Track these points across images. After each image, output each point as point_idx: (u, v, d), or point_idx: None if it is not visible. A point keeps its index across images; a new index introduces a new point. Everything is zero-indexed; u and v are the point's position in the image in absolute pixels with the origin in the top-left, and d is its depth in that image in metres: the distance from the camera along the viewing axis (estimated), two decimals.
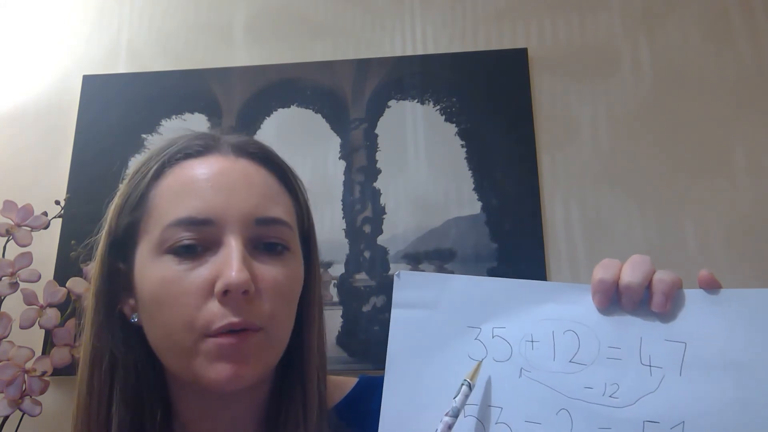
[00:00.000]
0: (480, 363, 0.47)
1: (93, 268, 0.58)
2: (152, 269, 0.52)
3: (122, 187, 0.58)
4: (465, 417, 0.47)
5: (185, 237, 0.51)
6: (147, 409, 0.55)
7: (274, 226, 0.54)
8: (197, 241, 0.51)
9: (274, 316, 0.53)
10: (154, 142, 0.60)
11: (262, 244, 0.54)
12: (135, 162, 0.60)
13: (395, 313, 0.51)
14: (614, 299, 0.47)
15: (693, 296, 0.46)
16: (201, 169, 0.55)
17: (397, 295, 0.51)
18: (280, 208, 0.56)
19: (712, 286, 0.46)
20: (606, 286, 0.47)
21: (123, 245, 0.56)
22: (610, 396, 0.45)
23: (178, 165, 0.55)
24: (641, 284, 0.46)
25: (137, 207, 0.55)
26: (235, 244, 0.51)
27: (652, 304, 0.46)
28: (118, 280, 0.56)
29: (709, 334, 0.45)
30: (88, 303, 0.57)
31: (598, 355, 0.46)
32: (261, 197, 0.55)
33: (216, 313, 0.50)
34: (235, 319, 0.50)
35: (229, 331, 0.50)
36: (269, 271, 0.53)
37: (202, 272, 0.51)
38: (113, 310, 0.56)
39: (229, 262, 0.50)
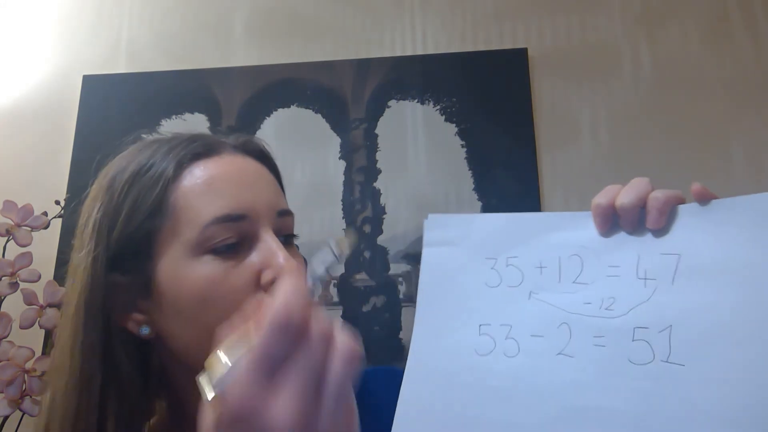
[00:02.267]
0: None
1: (75, 286, 0.54)
2: (191, 271, 0.51)
3: (112, 197, 0.54)
4: (480, 335, 0.52)
5: (227, 235, 0.52)
6: (138, 420, 0.56)
7: (288, 217, 0.58)
8: (237, 237, 0.53)
9: None
10: (135, 147, 0.59)
11: (281, 235, 0.56)
12: (117, 170, 0.56)
13: (425, 252, 0.56)
14: (616, 222, 0.50)
15: (687, 210, 0.48)
16: (221, 167, 0.55)
17: (427, 236, 0.56)
18: (286, 202, 0.60)
19: (705, 197, 0.47)
20: (602, 210, 0.50)
21: (129, 257, 0.53)
22: (606, 309, 0.49)
23: (192, 165, 0.55)
24: (635, 204, 0.48)
25: (155, 213, 0.53)
26: (271, 235, 0.53)
27: (647, 221, 0.48)
28: (117, 295, 0.54)
29: (702, 244, 0.47)
30: (71, 324, 0.53)
31: (598, 275, 0.50)
32: (275, 192, 0.58)
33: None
34: None
35: None
36: (294, 259, 0.55)
37: (247, 267, 0.52)
38: (114, 328, 0.54)
39: (275, 252, 0.52)
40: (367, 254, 1.24)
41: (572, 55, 1.33)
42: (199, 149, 0.56)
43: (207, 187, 0.54)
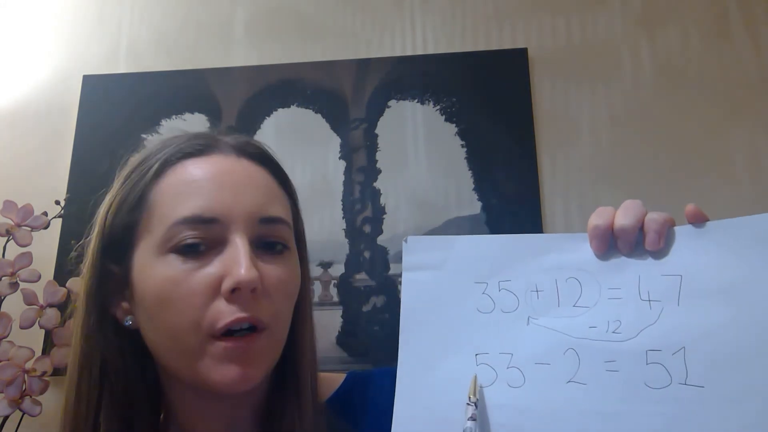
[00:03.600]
0: (475, 377, 0.49)
1: (83, 271, 0.57)
2: (155, 269, 0.52)
3: (116, 188, 0.57)
4: (478, 365, 0.49)
5: (190, 235, 0.51)
6: (137, 414, 0.55)
7: (276, 225, 0.55)
8: (202, 239, 0.51)
9: (278, 315, 0.54)
10: (154, 142, 0.60)
11: (263, 243, 0.54)
12: (129, 162, 0.59)
13: (406, 277, 0.53)
14: (611, 243, 0.49)
15: (684, 232, 0.49)
16: (204, 167, 0.55)
17: (406, 260, 0.53)
18: (281, 208, 0.57)
19: (699, 219, 0.48)
20: (601, 232, 0.49)
21: (117, 247, 0.55)
22: (613, 332, 0.47)
23: (179, 164, 0.55)
24: (634, 226, 0.48)
25: (136, 207, 0.54)
26: (242, 242, 0.51)
27: (646, 242, 0.48)
28: (110, 282, 0.55)
29: (703, 265, 0.47)
30: (79, 307, 0.56)
31: (599, 298, 0.48)
32: (264, 197, 0.55)
33: (223, 311, 0.50)
34: (243, 314, 0.50)
35: (236, 332, 0.50)
36: (273, 270, 0.53)
37: (208, 271, 0.51)
38: (105, 313, 0.55)
39: (238, 260, 0.50)
40: (367, 254, 1.24)
41: (572, 55, 1.33)
42: (190, 148, 0.56)
43: (184, 186, 0.53)
